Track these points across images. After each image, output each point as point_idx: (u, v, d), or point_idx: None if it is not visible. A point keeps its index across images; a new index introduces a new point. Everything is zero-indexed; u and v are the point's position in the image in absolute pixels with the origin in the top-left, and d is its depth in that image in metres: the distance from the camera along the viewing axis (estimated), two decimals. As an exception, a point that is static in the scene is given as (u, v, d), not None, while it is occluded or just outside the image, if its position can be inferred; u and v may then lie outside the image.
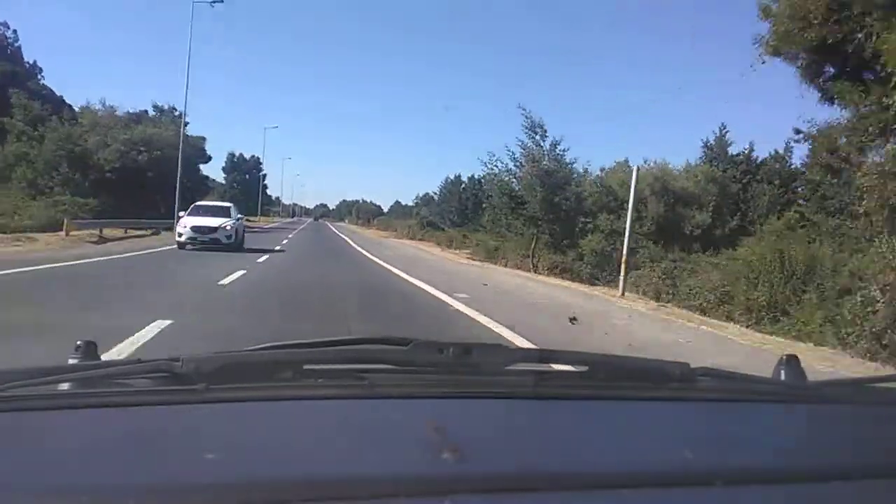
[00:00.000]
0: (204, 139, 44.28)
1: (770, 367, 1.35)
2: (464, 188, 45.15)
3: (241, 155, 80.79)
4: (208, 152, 45.23)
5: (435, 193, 53.32)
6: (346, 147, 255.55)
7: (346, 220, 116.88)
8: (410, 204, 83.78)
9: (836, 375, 5.24)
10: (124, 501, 0.68)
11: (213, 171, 73.37)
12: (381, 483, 0.73)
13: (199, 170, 42.37)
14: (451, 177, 50.94)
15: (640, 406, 1.14)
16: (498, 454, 0.87)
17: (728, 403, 1.20)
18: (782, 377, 1.30)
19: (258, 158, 77.92)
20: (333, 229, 57.20)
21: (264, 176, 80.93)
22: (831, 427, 1.16)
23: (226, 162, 78.19)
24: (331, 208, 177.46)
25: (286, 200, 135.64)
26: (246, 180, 77.73)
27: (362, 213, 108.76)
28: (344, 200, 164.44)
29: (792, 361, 1.31)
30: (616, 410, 1.14)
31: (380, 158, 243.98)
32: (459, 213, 43.38)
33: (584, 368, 1.20)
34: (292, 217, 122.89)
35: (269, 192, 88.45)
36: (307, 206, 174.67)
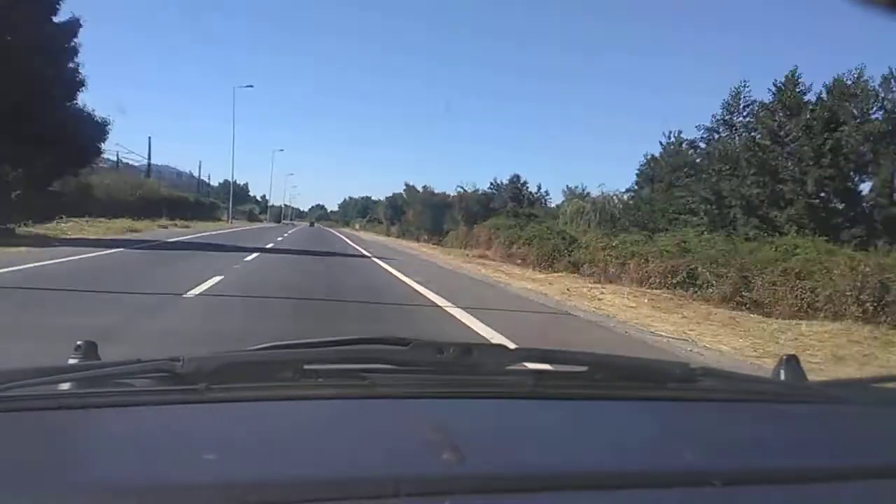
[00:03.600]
0: None
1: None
2: (723, 153, 18.49)
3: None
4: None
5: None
6: (343, 144, 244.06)
7: (357, 227, 77.16)
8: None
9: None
10: (124, 501, 0.68)
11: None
12: (381, 483, 0.73)
13: None
14: (673, 133, 21.40)
15: (639, 406, 1.14)
16: (498, 454, 0.87)
17: (728, 403, 1.20)
18: (782, 377, 1.30)
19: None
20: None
21: (72, 49, 16.73)
22: (831, 427, 1.16)
23: None
24: (329, 210, 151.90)
25: (275, 201, 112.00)
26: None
27: (421, 207, 43.98)
28: (350, 198, 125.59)
29: (792, 361, 1.31)
30: (615, 410, 1.14)
31: (385, 156, 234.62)
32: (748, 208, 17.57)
33: (583, 368, 1.20)
34: (278, 222, 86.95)
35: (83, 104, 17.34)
36: (301, 209, 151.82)
